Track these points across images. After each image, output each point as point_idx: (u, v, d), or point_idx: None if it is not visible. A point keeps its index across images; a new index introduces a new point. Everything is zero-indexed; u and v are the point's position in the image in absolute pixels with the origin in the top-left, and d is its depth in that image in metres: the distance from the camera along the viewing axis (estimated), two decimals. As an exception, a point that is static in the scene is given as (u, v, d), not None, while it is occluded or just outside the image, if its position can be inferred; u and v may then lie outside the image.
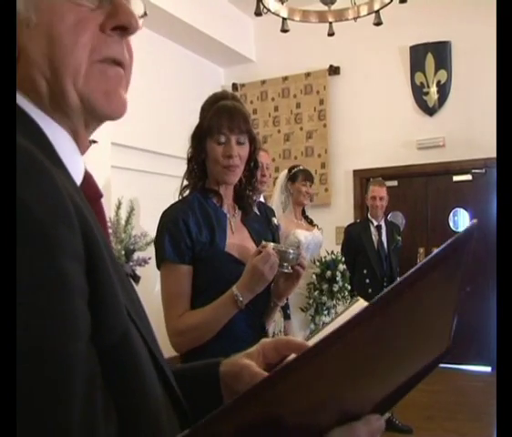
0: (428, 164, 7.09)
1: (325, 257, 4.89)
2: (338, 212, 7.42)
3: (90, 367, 0.64)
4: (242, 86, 8.17)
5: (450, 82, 7.09)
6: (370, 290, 5.32)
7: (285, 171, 5.25)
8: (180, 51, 7.28)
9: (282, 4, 3.93)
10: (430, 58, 7.14)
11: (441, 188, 7.27)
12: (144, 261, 4.92)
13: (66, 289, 0.62)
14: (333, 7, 4.09)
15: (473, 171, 6.99)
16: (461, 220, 7.17)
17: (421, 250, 7.18)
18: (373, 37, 6.42)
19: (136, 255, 4.98)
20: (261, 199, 4.55)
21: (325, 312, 4.83)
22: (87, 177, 0.84)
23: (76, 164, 0.81)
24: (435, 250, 0.69)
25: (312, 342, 0.91)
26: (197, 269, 2.04)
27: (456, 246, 0.73)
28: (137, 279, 4.79)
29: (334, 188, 7.63)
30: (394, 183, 7.22)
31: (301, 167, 5.19)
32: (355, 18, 4.08)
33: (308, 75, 7.78)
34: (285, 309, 4.35)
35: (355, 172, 7.53)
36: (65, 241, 0.63)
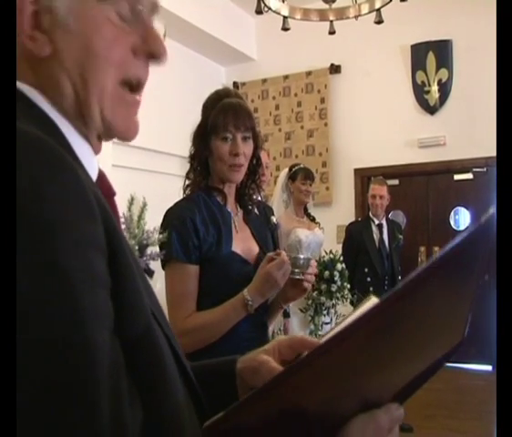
0: (429, 163, 7.09)
1: (323, 257, 4.89)
2: (339, 211, 7.42)
3: (115, 357, 0.65)
4: (243, 84, 8.16)
5: (451, 81, 7.08)
6: (371, 289, 5.31)
7: (286, 170, 5.25)
8: (181, 49, 7.27)
9: (283, 2, 3.93)
10: (431, 57, 7.13)
11: (442, 186, 7.27)
12: (157, 256, 4.95)
13: (91, 280, 0.63)
14: (334, 6, 4.08)
15: (474, 170, 6.99)
16: (462, 219, 7.16)
17: (422, 249, 7.18)
18: (374, 36, 6.41)
19: (149, 250, 5.02)
20: (260, 198, 4.55)
21: (324, 312, 4.83)
22: (101, 176, 0.86)
23: (91, 163, 0.83)
24: (451, 243, 0.69)
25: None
26: (204, 270, 2.01)
27: (474, 238, 0.74)
28: (150, 273, 4.82)
29: (335, 186, 7.63)
30: (395, 182, 7.22)
31: (301, 166, 5.20)
32: (356, 17, 4.08)
33: (309, 73, 7.78)
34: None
35: (356, 171, 7.53)
36: (89, 233, 0.64)
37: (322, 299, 4.77)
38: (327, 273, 4.80)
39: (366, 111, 7.36)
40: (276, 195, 5.32)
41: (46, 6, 0.77)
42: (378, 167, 7.17)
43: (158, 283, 2.16)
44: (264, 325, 2.19)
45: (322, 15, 4.17)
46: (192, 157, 2.15)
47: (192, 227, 2.01)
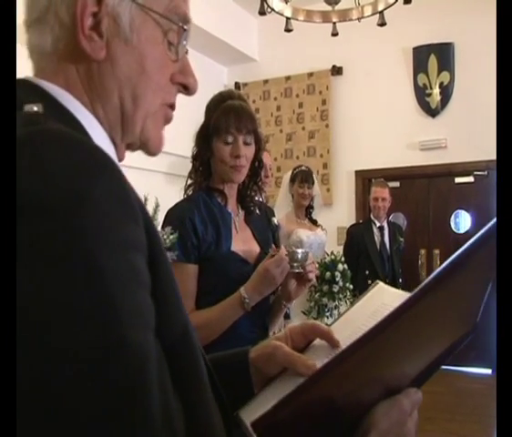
0: (430, 165, 7.09)
1: (324, 258, 4.89)
2: (340, 212, 7.42)
3: (159, 357, 0.65)
4: (245, 85, 8.16)
5: (453, 84, 7.08)
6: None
7: (290, 172, 5.29)
8: (183, 49, 7.28)
9: (286, 3, 3.94)
10: (433, 60, 7.13)
11: (443, 189, 7.26)
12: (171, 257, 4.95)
13: (137, 282, 0.63)
14: (337, 7, 4.09)
15: (475, 173, 6.99)
16: (463, 222, 7.16)
17: (422, 252, 7.18)
18: (376, 38, 6.42)
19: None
20: (261, 199, 4.56)
21: (327, 314, 4.83)
22: None
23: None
24: (473, 239, 0.79)
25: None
26: (202, 269, 2.03)
27: (490, 234, 0.81)
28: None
29: (336, 188, 7.63)
30: (396, 184, 7.22)
31: (301, 168, 5.21)
32: (359, 19, 4.08)
33: (311, 75, 7.78)
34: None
35: (357, 172, 7.52)
36: (131, 235, 0.64)
37: (325, 300, 4.77)
38: (328, 274, 4.79)
39: (368, 113, 7.36)
40: (279, 196, 5.34)
41: (109, 12, 0.79)
42: (379, 170, 7.17)
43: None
44: (265, 326, 2.19)
45: (326, 17, 4.18)
46: (194, 158, 2.17)
47: (191, 226, 2.02)
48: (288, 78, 7.93)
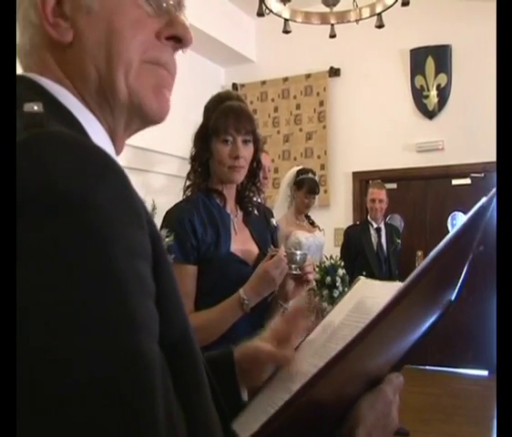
0: (427, 167, 7.10)
1: (324, 262, 4.88)
2: (337, 214, 7.43)
3: (162, 365, 0.64)
4: (242, 86, 8.16)
5: (450, 86, 7.09)
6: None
7: (294, 170, 5.21)
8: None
9: (285, 5, 3.94)
10: (430, 62, 7.15)
11: (440, 191, 7.28)
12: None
13: (142, 290, 0.62)
14: (335, 9, 4.09)
15: (472, 175, 7.00)
16: (459, 224, 7.16)
17: (419, 253, 7.19)
18: (373, 40, 6.42)
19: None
20: (260, 200, 4.57)
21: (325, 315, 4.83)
22: None
23: None
24: (456, 230, 0.82)
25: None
26: (202, 270, 2.02)
27: (474, 220, 0.85)
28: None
29: (333, 189, 7.63)
30: (394, 186, 7.23)
31: (309, 176, 5.07)
32: (357, 20, 4.08)
33: (308, 76, 7.79)
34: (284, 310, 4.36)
35: (355, 174, 7.53)
36: (138, 242, 0.63)
37: (324, 304, 4.77)
38: (329, 279, 4.79)
39: (365, 114, 7.37)
40: (280, 196, 5.31)
41: None
42: (376, 171, 7.18)
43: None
44: (263, 326, 2.19)
45: (324, 19, 4.18)
46: (193, 159, 2.17)
47: (190, 227, 2.02)
48: (285, 79, 7.94)
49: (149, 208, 5.16)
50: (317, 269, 4.75)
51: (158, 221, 2.20)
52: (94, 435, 0.55)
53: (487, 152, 6.04)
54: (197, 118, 2.19)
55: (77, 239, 0.58)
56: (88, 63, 0.80)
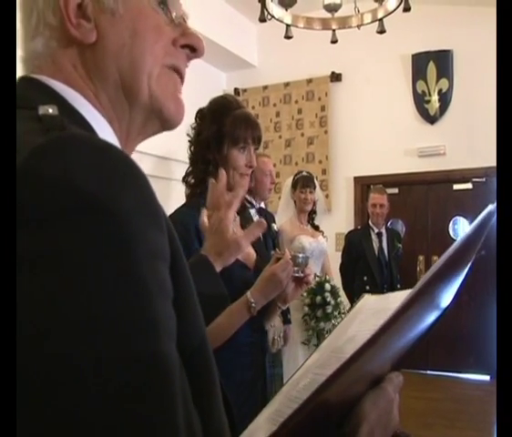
0: (429, 172, 7.11)
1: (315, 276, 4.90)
2: (338, 218, 7.43)
3: (180, 367, 0.65)
4: (244, 91, 8.19)
5: (451, 91, 7.10)
6: (370, 297, 5.32)
7: (291, 179, 5.33)
8: (183, 55, 7.29)
9: (286, 10, 3.95)
10: (432, 67, 7.16)
11: (441, 196, 7.28)
12: None
13: (163, 293, 0.63)
14: (337, 15, 4.10)
15: (473, 180, 7.01)
16: (461, 229, 7.17)
17: (421, 258, 7.19)
18: (375, 45, 6.43)
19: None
20: (262, 205, 4.61)
21: (327, 336, 4.83)
22: None
23: None
24: (462, 239, 0.82)
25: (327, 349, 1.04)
26: None
27: (479, 229, 0.84)
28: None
29: (335, 194, 7.64)
30: (395, 190, 7.24)
31: (302, 174, 5.25)
32: (359, 26, 4.09)
33: (310, 81, 7.80)
34: (285, 313, 4.37)
35: (356, 179, 7.54)
36: (159, 244, 0.64)
37: (321, 324, 4.79)
38: (319, 298, 4.82)
39: (366, 119, 7.38)
40: (281, 202, 5.38)
41: None
42: (378, 176, 7.19)
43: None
44: (263, 329, 2.20)
45: (325, 24, 4.19)
46: (202, 163, 2.16)
47: (195, 232, 2.02)
48: (287, 84, 7.95)
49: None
50: (305, 294, 4.77)
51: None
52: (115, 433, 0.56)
53: (489, 157, 6.05)
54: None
55: (102, 242, 0.58)
56: (111, 64, 0.81)
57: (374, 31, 4.11)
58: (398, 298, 0.86)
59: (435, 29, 6.99)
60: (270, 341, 2.34)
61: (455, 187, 7.20)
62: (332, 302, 4.86)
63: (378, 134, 7.30)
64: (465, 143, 6.89)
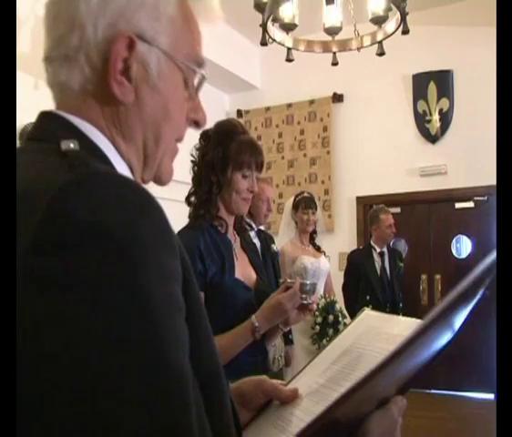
0: (431, 191, 7.13)
1: (320, 299, 4.91)
2: (341, 238, 7.44)
3: (193, 381, 0.69)
4: (247, 112, 8.23)
5: (452, 110, 7.14)
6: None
7: (291, 200, 5.32)
8: (186, 78, 7.33)
9: (287, 34, 3.99)
10: (432, 87, 7.20)
11: (443, 215, 7.29)
12: None
13: (177, 311, 0.68)
14: (337, 37, 4.15)
15: (475, 198, 7.02)
16: (464, 247, 7.18)
17: (423, 277, 7.19)
18: (376, 66, 6.47)
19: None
20: (262, 227, 4.63)
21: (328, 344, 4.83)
22: None
23: None
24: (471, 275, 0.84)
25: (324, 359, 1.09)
26: (209, 297, 2.04)
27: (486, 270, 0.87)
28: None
29: (337, 214, 7.66)
30: (397, 210, 7.25)
31: (304, 195, 5.24)
32: (359, 48, 4.14)
33: (312, 102, 7.84)
34: (287, 334, 4.38)
35: (358, 199, 7.56)
36: (173, 267, 0.69)
37: None
38: (331, 317, 4.83)
39: (368, 139, 7.42)
40: (282, 224, 5.38)
41: (139, 59, 0.83)
42: (380, 196, 7.21)
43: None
44: (265, 349, 2.22)
45: (326, 47, 4.23)
46: (206, 186, 2.19)
47: (198, 254, 2.04)
48: (289, 106, 7.99)
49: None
50: (317, 313, 4.79)
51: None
52: None
53: (490, 175, 6.05)
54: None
55: (122, 266, 0.64)
56: (138, 129, 0.86)
57: (375, 52, 4.15)
58: (402, 324, 0.91)
59: (436, 49, 7.04)
60: (270, 361, 2.35)
61: (457, 205, 7.21)
62: (344, 321, 4.90)
63: (380, 154, 7.34)
64: (466, 162, 6.92)
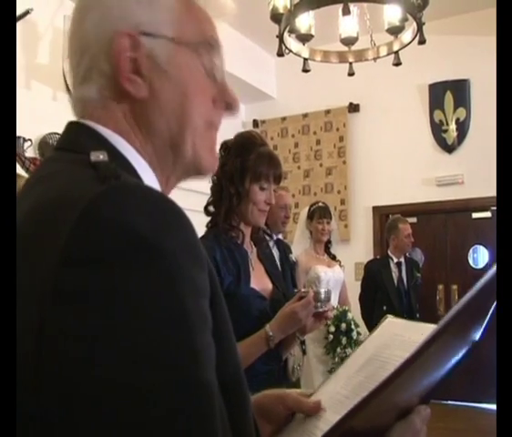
0: (447, 201, 7.10)
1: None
2: (357, 248, 7.42)
3: (219, 395, 0.70)
4: (263, 122, 8.25)
5: (469, 119, 7.11)
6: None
7: (306, 209, 5.32)
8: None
9: (304, 44, 4.01)
10: (449, 96, 7.18)
11: (460, 224, 7.26)
12: None
13: (205, 326, 0.69)
14: (353, 48, 4.16)
15: (492, 208, 6.98)
16: (481, 257, 7.13)
17: (440, 287, 7.15)
18: (392, 75, 6.47)
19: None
20: (280, 236, 4.64)
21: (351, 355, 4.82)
22: None
23: None
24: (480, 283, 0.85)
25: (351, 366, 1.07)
26: None
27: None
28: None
29: (354, 224, 7.64)
30: (414, 220, 7.21)
31: (319, 204, 5.25)
32: (375, 59, 4.15)
33: (328, 112, 7.85)
34: (302, 344, 4.38)
35: (375, 208, 7.55)
36: (202, 282, 0.70)
37: (349, 350, 4.79)
38: (344, 325, 4.83)
39: (384, 149, 7.41)
40: (297, 233, 5.38)
41: (146, 53, 0.85)
42: (396, 205, 7.19)
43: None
44: (280, 358, 2.22)
45: (342, 57, 4.25)
46: (225, 196, 2.21)
47: (214, 264, 2.06)
48: (305, 116, 8.00)
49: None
50: (329, 322, 4.79)
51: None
52: None
53: (507, 186, 6.02)
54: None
55: (153, 279, 0.65)
56: (160, 119, 0.87)
57: (391, 62, 4.16)
58: (426, 331, 0.88)
59: (452, 59, 7.03)
60: (290, 370, 2.36)
61: (474, 215, 7.17)
62: (357, 329, 4.89)
63: (396, 163, 7.32)
64: (483, 171, 6.88)
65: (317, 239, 5.15)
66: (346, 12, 3.60)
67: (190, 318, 0.66)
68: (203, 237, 2.19)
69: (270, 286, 2.22)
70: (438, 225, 7.39)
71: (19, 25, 4.84)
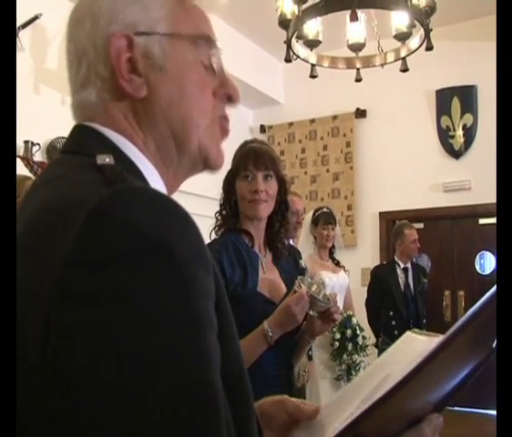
0: (454, 207, 7.09)
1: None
2: (364, 254, 7.42)
3: (223, 396, 0.70)
4: (270, 127, 8.27)
5: (476, 125, 7.11)
6: (396, 332, 5.31)
7: (310, 214, 5.31)
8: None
9: (311, 50, 4.02)
10: (456, 102, 7.17)
11: (467, 230, 7.25)
12: None
13: (211, 328, 0.69)
14: (361, 54, 4.17)
15: (499, 214, 6.97)
16: (487, 263, 7.11)
17: (447, 293, 7.14)
18: (399, 81, 6.45)
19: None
20: (291, 242, 4.64)
21: (357, 368, 4.82)
22: None
23: None
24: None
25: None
26: None
27: None
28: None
29: (360, 229, 7.64)
30: (421, 225, 7.20)
31: (323, 210, 5.22)
32: (382, 65, 4.15)
33: (335, 117, 7.86)
34: (309, 350, 4.38)
35: (381, 214, 7.54)
36: (208, 285, 0.70)
37: (356, 356, 4.78)
38: (349, 332, 4.82)
39: (391, 155, 7.40)
40: (301, 238, 5.38)
41: (141, 52, 0.86)
42: (403, 211, 7.18)
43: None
44: (290, 364, 2.23)
45: (350, 63, 4.25)
46: (223, 204, 2.25)
47: (220, 267, 2.07)
48: (312, 121, 8.01)
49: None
50: (334, 329, 4.78)
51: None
52: None
53: (514, 192, 6.01)
54: (225, 160, 2.27)
55: (163, 280, 0.65)
56: (161, 116, 0.87)
57: (398, 68, 4.17)
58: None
59: (459, 65, 7.02)
60: (296, 376, 2.37)
61: (481, 221, 7.16)
62: (362, 334, 4.89)
63: (403, 169, 7.31)
64: (490, 177, 6.84)
65: (322, 245, 5.14)
66: (354, 18, 3.61)
67: (201, 319, 0.67)
68: (214, 241, 2.22)
69: (283, 290, 2.23)
70: (445, 231, 7.38)
71: (28, 30, 4.89)
